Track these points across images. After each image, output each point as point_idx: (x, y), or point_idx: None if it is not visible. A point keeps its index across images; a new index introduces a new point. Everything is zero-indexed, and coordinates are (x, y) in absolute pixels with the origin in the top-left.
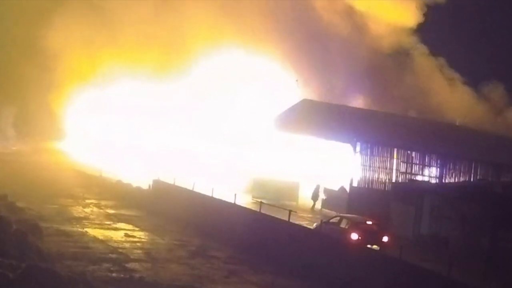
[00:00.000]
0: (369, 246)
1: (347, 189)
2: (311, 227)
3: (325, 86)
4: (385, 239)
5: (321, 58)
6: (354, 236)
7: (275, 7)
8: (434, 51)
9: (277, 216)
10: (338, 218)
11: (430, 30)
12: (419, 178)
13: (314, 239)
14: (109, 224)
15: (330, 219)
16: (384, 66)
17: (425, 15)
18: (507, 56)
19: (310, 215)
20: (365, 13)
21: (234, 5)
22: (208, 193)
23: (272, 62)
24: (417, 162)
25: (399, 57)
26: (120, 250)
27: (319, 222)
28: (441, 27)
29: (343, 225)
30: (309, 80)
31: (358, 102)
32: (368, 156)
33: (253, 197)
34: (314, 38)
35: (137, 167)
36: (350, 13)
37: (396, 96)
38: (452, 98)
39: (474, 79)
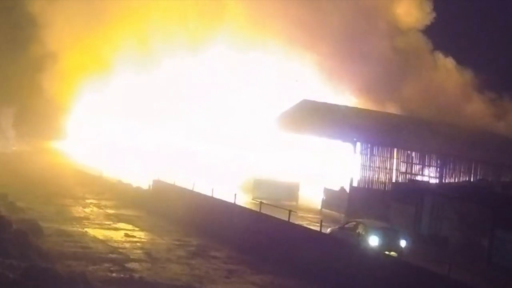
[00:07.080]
0: (387, 252)
1: (347, 189)
2: (326, 232)
3: (326, 85)
4: (403, 244)
5: (323, 57)
6: (373, 241)
7: (275, 6)
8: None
9: (277, 216)
10: (353, 223)
11: (438, 28)
12: (419, 178)
13: (314, 239)
14: (109, 224)
15: (344, 224)
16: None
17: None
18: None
19: (310, 215)
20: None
21: (233, 4)
22: (208, 193)
23: (272, 61)
24: (417, 162)
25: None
26: (120, 250)
27: (335, 227)
28: (449, 25)
29: (359, 230)
30: (310, 79)
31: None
32: (368, 156)
33: (254, 197)
34: (317, 36)
35: (137, 167)
36: (357, 11)
37: (403, 95)
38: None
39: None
